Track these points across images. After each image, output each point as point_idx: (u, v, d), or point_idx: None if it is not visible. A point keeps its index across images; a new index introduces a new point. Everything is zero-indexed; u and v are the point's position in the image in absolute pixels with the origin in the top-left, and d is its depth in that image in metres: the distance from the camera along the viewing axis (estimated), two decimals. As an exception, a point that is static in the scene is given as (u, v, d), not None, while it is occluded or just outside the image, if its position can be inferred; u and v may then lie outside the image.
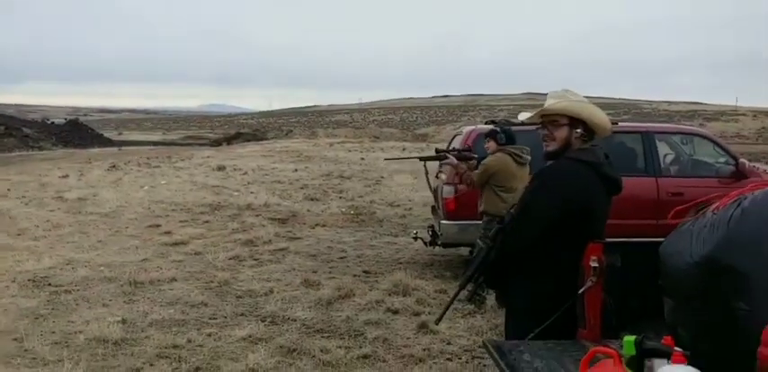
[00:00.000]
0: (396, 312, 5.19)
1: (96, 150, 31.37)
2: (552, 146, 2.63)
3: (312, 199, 11.78)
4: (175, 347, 4.36)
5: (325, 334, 4.70)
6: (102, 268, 6.55)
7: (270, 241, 8.07)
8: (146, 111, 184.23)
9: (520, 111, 2.97)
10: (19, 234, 8.36)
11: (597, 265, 2.36)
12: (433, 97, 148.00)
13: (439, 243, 6.74)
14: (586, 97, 2.70)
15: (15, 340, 4.49)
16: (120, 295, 5.62)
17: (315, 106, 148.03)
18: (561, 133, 2.60)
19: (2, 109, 55.75)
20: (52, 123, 47.40)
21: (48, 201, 11.22)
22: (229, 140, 45.19)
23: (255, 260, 7.12)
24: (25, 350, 4.29)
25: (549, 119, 2.63)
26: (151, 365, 4.08)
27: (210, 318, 5.06)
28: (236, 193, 12.40)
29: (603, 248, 2.39)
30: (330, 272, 6.58)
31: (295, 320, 4.99)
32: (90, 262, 6.79)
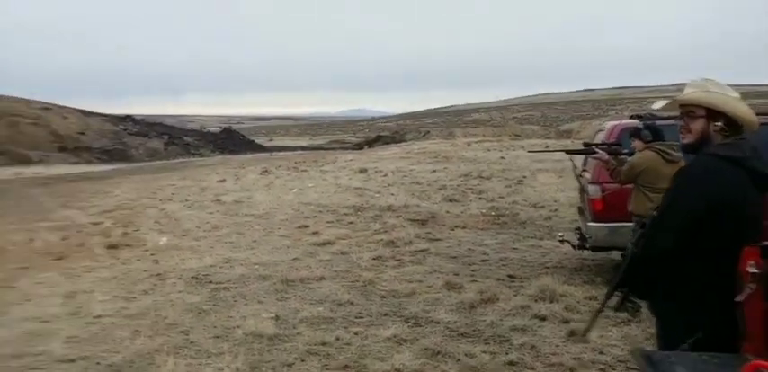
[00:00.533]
0: (543, 318, 5.01)
1: (249, 156, 33.48)
2: (688, 139, 2.46)
3: (451, 201, 11.74)
4: (324, 344, 4.51)
5: (470, 338, 4.64)
6: (256, 266, 6.95)
7: (410, 242, 8.14)
8: (293, 118, 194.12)
9: (655, 100, 2.77)
10: (183, 235, 9.10)
11: (756, 271, 2.13)
12: (575, 91, 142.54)
13: (587, 246, 6.40)
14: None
15: (182, 332, 4.88)
16: (273, 292, 5.93)
17: (452, 106, 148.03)
18: (697, 125, 2.42)
19: (165, 119, 61.28)
20: (208, 131, 51.29)
21: (207, 204, 12.14)
22: (370, 143, 46.38)
23: (397, 260, 7.22)
24: (191, 343, 4.64)
25: (685, 110, 2.46)
26: (302, 361, 4.25)
27: (357, 317, 5.19)
28: (377, 195, 12.67)
29: (762, 252, 2.15)
30: (472, 275, 6.50)
31: (438, 322, 4.98)
32: (246, 261, 7.23)
